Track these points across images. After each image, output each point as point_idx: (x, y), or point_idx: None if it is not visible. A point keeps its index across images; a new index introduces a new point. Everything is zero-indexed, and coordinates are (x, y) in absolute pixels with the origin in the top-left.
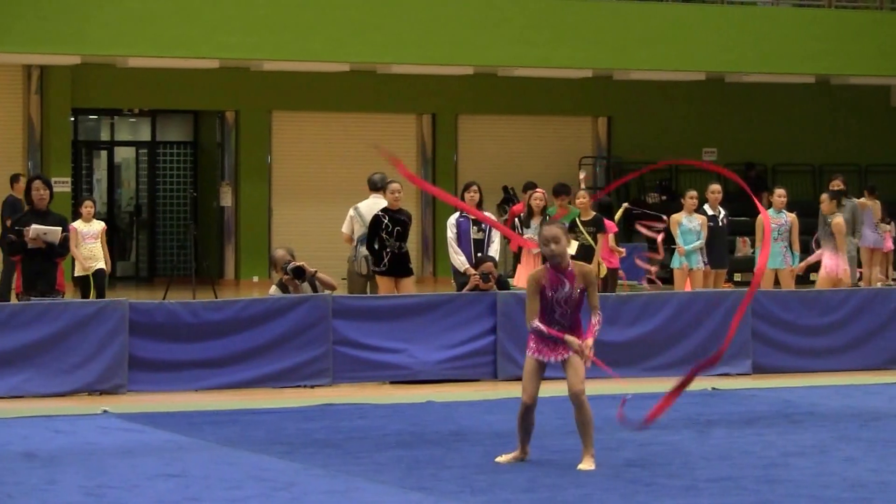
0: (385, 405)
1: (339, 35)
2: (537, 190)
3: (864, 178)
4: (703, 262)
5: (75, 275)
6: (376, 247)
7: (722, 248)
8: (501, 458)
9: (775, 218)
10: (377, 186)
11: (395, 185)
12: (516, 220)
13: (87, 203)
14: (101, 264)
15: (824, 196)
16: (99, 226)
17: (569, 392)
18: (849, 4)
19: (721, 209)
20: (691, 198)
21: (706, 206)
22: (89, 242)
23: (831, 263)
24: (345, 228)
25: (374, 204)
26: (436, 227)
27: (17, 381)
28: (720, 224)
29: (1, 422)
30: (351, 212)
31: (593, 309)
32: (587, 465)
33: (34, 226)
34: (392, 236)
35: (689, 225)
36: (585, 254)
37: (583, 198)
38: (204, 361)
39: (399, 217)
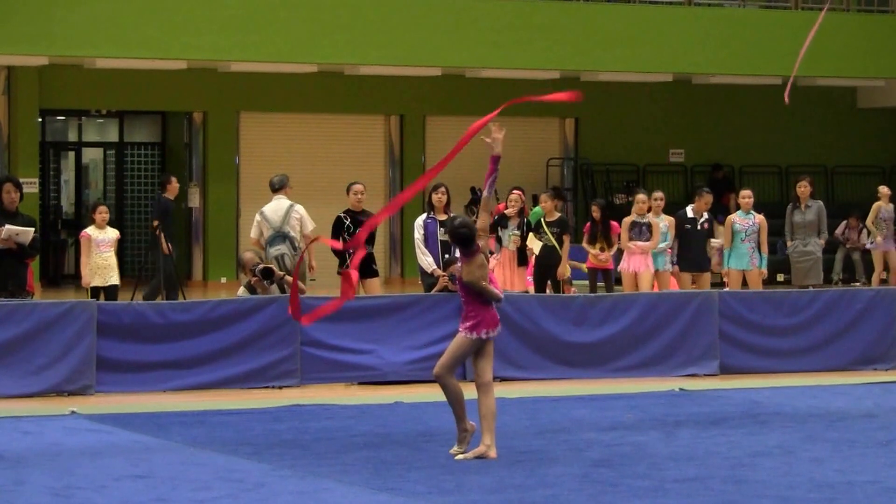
0: (353, 406)
1: (307, 36)
2: (514, 192)
3: (831, 180)
4: (673, 262)
5: (92, 285)
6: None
7: (700, 251)
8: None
9: (742, 219)
10: (275, 188)
11: (357, 187)
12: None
13: (102, 209)
14: (117, 276)
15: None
16: (114, 233)
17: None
18: (815, 6)
19: (705, 213)
20: (657, 199)
21: (689, 208)
22: (104, 251)
23: (630, 260)
24: (253, 233)
25: (277, 206)
26: (403, 229)
27: None
28: (699, 228)
29: None
30: (258, 216)
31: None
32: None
33: (7, 226)
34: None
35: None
36: (549, 254)
37: (546, 201)
38: (172, 362)
39: (361, 218)
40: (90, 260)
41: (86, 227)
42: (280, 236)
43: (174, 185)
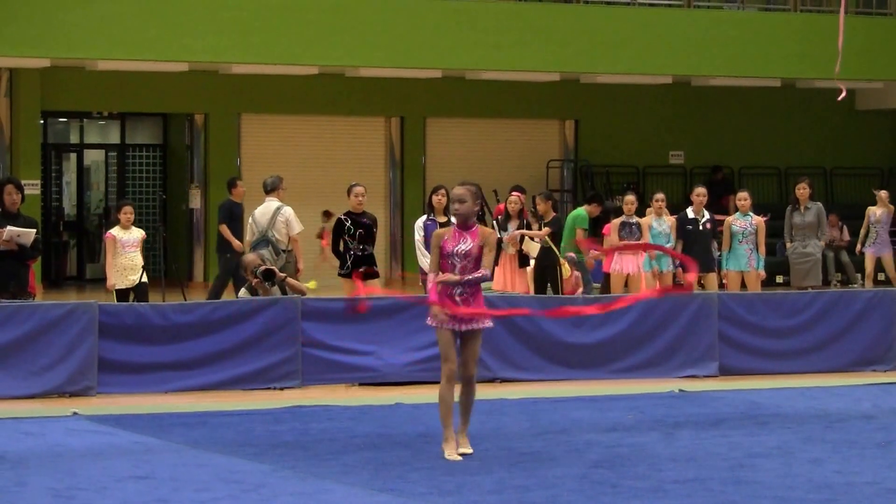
0: (354, 407)
1: (308, 38)
2: (513, 193)
3: (830, 181)
4: (677, 264)
5: (116, 287)
6: (340, 249)
7: (703, 251)
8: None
9: (740, 221)
10: (267, 189)
11: (358, 189)
12: (494, 222)
13: (127, 209)
14: (143, 276)
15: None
16: (139, 233)
17: (462, 374)
18: (814, 9)
19: (705, 213)
20: (658, 200)
21: (689, 210)
22: (129, 251)
23: (621, 261)
24: (247, 236)
25: (265, 208)
26: (404, 230)
27: None
28: (700, 228)
29: None
30: (249, 219)
31: (484, 267)
32: (467, 448)
33: (9, 227)
34: (355, 239)
35: (659, 228)
36: (546, 255)
37: (542, 203)
38: (173, 363)
39: (361, 220)
40: (116, 261)
41: (90, 228)
42: (263, 240)
43: (240, 189)
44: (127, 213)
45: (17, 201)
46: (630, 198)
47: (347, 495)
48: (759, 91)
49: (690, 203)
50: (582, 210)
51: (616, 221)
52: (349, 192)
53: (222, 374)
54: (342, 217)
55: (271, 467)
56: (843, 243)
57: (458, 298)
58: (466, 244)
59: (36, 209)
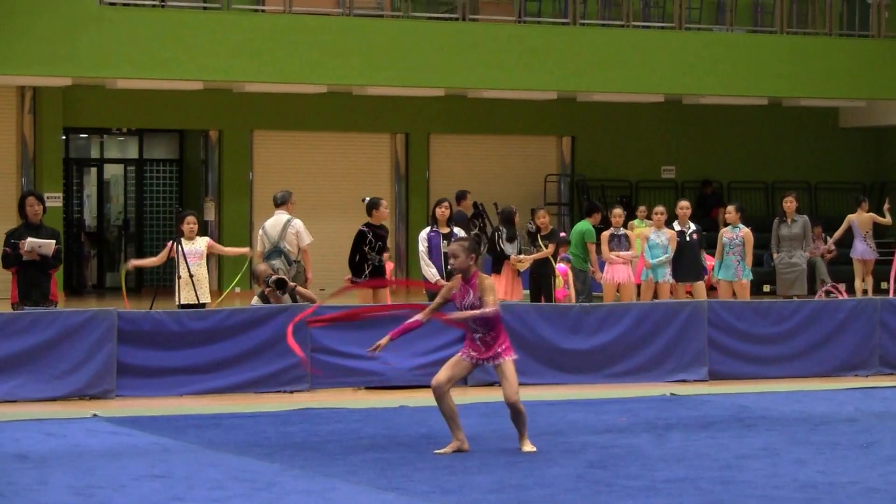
0: (360, 409)
1: (317, 58)
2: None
3: (814, 195)
4: (671, 274)
5: (181, 302)
6: (356, 259)
7: (692, 261)
8: (440, 451)
9: (729, 232)
10: (277, 203)
11: (385, 202)
12: (497, 234)
13: (190, 219)
14: (207, 292)
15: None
16: (203, 242)
17: (505, 401)
18: (800, 30)
19: (691, 224)
20: (658, 213)
21: (675, 223)
22: (193, 263)
23: (612, 271)
24: (258, 247)
25: (276, 221)
26: (408, 241)
27: (10, 387)
28: (688, 239)
29: None
30: (260, 231)
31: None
32: (529, 446)
33: (30, 239)
34: (374, 250)
35: (658, 240)
36: (542, 265)
37: (543, 217)
38: (188, 368)
39: (381, 232)
40: (181, 274)
41: (110, 238)
42: (276, 251)
43: (467, 202)
44: (190, 223)
45: (38, 212)
46: (618, 211)
47: (354, 493)
48: (747, 109)
49: (676, 217)
50: (588, 224)
51: (605, 234)
52: (377, 205)
53: (235, 378)
54: (364, 228)
55: (282, 467)
56: (829, 254)
57: (478, 341)
58: (469, 298)
59: (58, 221)
